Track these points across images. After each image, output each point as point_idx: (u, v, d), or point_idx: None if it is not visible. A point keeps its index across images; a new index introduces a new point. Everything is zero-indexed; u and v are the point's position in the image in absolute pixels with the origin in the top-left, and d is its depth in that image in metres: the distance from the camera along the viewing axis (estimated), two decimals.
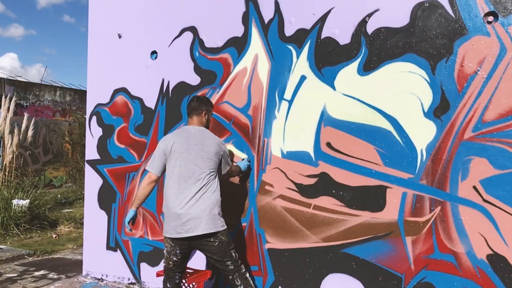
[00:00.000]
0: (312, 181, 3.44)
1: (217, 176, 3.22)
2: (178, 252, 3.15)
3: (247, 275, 3.17)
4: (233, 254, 3.16)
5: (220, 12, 3.92)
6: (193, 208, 3.03)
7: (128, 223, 3.35)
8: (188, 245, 3.14)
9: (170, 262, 3.19)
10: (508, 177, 2.75)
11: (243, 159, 3.68)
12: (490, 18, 2.82)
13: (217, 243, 3.07)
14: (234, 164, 3.63)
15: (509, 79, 2.76)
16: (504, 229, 2.77)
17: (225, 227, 3.15)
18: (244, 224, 3.76)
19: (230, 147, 3.82)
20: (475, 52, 2.87)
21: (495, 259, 2.80)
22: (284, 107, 3.57)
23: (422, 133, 3.03)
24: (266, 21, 3.67)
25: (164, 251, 3.24)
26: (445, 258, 2.95)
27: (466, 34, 2.90)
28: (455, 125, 2.93)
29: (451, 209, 2.93)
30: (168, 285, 3.22)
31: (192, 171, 3.11)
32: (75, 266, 5.21)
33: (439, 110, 2.98)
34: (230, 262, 3.12)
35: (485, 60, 2.83)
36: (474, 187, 2.86)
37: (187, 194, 3.07)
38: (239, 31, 3.81)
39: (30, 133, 8.85)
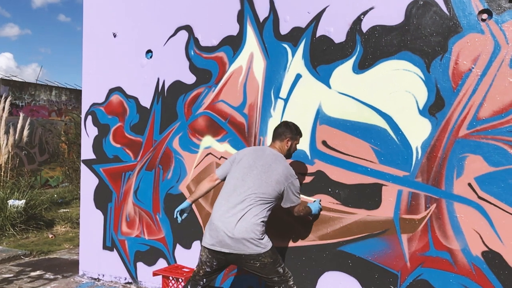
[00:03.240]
0: (308, 179, 3.44)
1: (269, 204, 2.97)
2: (214, 264, 2.98)
3: None
4: (280, 270, 2.95)
5: (215, 10, 3.92)
6: (231, 225, 2.86)
7: (178, 212, 3.23)
8: (225, 259, 2.94)
9: (201, 271, 3.03)
10: (503, 174, 2.76)
11: (314, 201, 3.40)
12: (484, 16, 2.83)
13: (258, 264, 2.87)
14: (304, 203, 3.34)
15: (503, 76, 2.78)
16: (499, 226, 2.78)
17: (267, 249, 2.87)
18: None
19: (225, 145, 3.82)
20: (469, 50, 2.88)
21: (490, 255, 2.81)
22: (279, 105, 3.57)
23: (417, 131, 3.04)
24: (261, 20, 3.67)
25: (199, 258, 3.08)
26: (441, 255, 2.96)
27: (460, 31, 2.91)
28: (450, 122, 2.94)
29: (446, 206, 2.94)
30: None
31: (245, 188, 2.94)
32: (72, 266, 5.20)
33: (434, 108, 2.98)
34: (277, 278, 2.95)
35: (480, 57, 2.84)
36: (469, 184, 2.87)
37: (230, 209, 2.91)
38: (234, 30, 3.81)
39: (25, 133, 8.85)
